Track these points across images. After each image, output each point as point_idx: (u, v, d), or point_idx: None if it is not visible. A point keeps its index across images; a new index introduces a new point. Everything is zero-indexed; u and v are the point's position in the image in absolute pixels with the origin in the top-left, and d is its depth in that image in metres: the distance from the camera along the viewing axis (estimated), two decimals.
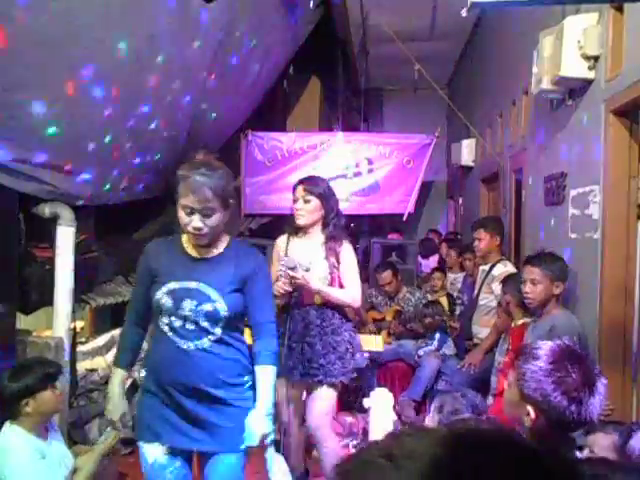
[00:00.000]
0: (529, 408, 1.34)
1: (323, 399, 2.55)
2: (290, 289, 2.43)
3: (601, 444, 1.73)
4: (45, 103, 2.32)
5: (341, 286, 2.57)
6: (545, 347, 1.38)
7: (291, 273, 2.39)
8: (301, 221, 2.55)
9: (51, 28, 2.10)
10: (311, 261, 2.50)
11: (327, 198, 2.56)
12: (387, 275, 4.53)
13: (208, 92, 3.65)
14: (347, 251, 2.57)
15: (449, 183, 8.02)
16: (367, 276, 6.66)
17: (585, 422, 1.33)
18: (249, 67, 4.10)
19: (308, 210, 2.53)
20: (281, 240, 2.67)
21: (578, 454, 1.46)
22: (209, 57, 3.36)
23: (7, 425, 2.06)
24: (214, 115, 4.02)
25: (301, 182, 2.59)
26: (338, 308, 2.59)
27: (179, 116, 3.52)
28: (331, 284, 2.55)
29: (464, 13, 1.38)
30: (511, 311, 2.96)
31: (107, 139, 2.90)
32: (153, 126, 3.27)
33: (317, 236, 2.59)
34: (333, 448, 2.60)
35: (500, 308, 3.22)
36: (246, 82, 4.24)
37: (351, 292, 2.56)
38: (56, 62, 2.25)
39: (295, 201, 2.57)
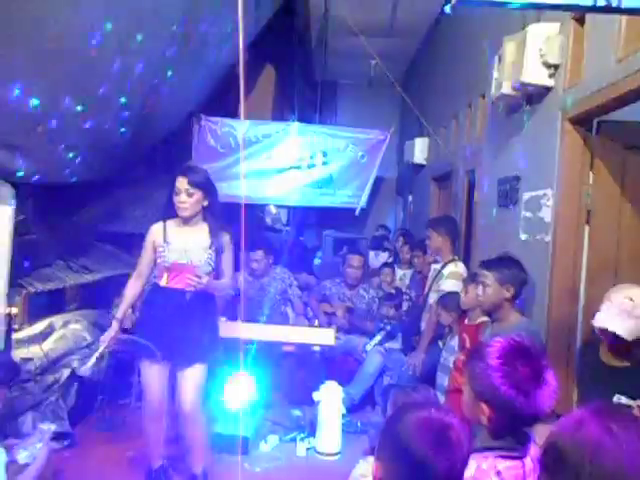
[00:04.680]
0: (483, 406, 1.36)
1: (200, 377, 2.67)
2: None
3: (541, 434, 1.80)
4: None
5: (218, 272, 2.68)
6: (495, 345, 1.41)
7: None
8: (185, 213, 2.59)
9: None
10: (190, 249, 2.58)
11: (209, 189, 2.62)
12: (359, 259, 4.57)
13: (166, 60, 3.46)
14: (229, 241, 2.68)
15: (399, 180, 8.14)
16: (310, 268, 6.67)
17: (537, 414, 1.37)
18: (207, 48, 3.95)
19: (192, 203, 2.57)
20: (157, 227, 2.67)
21: (534, 447, 1.50)
22: (168, 36, 3.20)
23: None
24: (167, 91, 3.83)
25: (183, 174, 2.57)
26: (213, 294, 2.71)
27: (129, 88, 3.33)
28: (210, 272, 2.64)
29: (448, 10, 1.36)
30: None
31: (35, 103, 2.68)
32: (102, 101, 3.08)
33: (199, 225, 2.65)
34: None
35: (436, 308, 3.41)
36: (202, 65, 4.09)
37: (231, 281, 2.78)
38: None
39: (177, 193, 2.56)
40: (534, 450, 1.44)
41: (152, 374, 2.65)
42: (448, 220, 3.89)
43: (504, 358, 1.35)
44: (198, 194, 2.56)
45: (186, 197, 2.55)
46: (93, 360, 2.54)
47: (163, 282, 2.62)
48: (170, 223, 2.66)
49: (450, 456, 1.13)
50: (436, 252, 3.75)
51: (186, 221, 2.62)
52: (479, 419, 1.37)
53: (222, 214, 2.71)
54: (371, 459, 2.00)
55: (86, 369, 2.38)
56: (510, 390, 1.31)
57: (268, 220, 9.09)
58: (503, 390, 1.31)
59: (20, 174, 2.79)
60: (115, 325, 2.61)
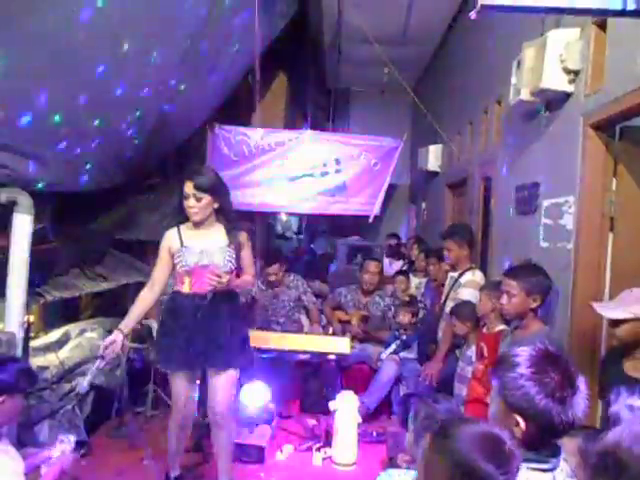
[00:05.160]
0: (517, 418, 1.33)
1: (232, 382, 2.63)
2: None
3: (567, 448, 1.76)
4: None
5: (239, 271, 2.64)
6: (523, 353, 1.38)
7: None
8: (196, 218, 2.54)
9: None
10: (209, 250, 2.53)
11: (218, 190, 2.55)
12: (376, 265, 4.56)
13: (177, 82, 3.50)
14: (246, 238, 2.64)
15: (412, 187, 8.11)
16: (324, 276, 6.65)
17: (573, 422, 1.33)
18: (219, 58, 3.97)
19: (201, 207, 2.52)
20: (171, 233, 2.61)
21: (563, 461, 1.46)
22: (182, 50, 3.21)
23: None
24: (181, 106, 3.86)
25: (190, 179, 2.50)
26: (236, 292, 2.67)
27: (145, 106, 3.36)
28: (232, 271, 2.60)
29: (473, 15, 1.34)
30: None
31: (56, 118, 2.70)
32: (121, 114, 3.10)
33: (213, 226, 2.60)
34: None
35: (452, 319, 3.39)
36: (215, 74, 4.11)
37: (253, 278, 2.75)
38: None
39: (186, 198, 2.51)
40: (563, 464, 1.41)
41: (181, 383, 2.60)
42: (465, 229, 3.85)
43: (535, 366, 1.32)
44: (207, 198, 2.50)
45: (195, 202, 2.49)
46: (90, 377, 2.42)
47: (186, 288, 2.55)
48: (184, 227, 2.60)
49: (508, 469, 1.12)
50: (456, 262, 3.70)
51: (199, 224, 2.57)
52: (512, 431, 1.34)
53: (235, 213, 2.67)
54: (393, 472, 1.97)
55: (83, 385, 2.30)
56: (546, 399, 1.28)
57: (279, 228, 9.11)
58: (539, 399, 1.28)
59: (39, 185, 2.80)
60: (116, 336, 2.44)
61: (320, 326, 4.47)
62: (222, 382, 2.58)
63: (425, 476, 1.15)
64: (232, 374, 2.60)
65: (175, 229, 2.60)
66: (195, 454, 3.21)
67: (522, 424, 1.32)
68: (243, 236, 2.62)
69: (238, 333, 2.60)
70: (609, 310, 1.99)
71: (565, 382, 1.30)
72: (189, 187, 2.49)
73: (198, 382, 2.89)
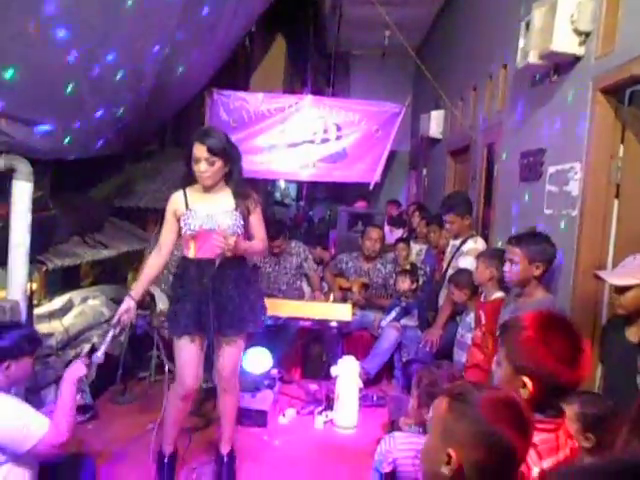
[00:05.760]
0: (525, 379, 1.34)
1: (239, 348, 2.60)
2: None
3: (566, 414, 1.79)
4: (3, 44, 2.08)
5: (249, 236, 2.55)
6: (528, 317, 1.41)
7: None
8: (208, 182, 2.42)
9: None
10: (215, 213, 2.44)
11: (230, 154, 2.43)
12: (378, 231, 4.54)
13: (176, 44, 3.41)
14: (255, 203, 2.53)
15: (412, 153, 8.03)
16: (325, 242, 6.65)
17: (578, 383, 1.37)
18: (219, 20, 3.86)
19: (214, 171, 2.39)
20: (177, 196, 2.51)
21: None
22: (180, 5, 3.12)
23: None
24: (181, 70, 3.78)
25: (201, 141, 2.35)
26: (244, 258, 2.58)
27: (145, 69, 3.28)
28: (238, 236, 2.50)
29: None
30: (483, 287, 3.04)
31: (69, 89, 2.66)
32: (118, 77, 3.03)
33: (222, 190, 2.49)
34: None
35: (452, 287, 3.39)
36: (215, 36, 4.00)
37: (263, 243, 2.58)
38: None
39: (196, 161, 2.38)
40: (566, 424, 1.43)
41: (189, 351, 2.50)
42: (464, 199, 3.79)
43: (542, 329, 1.35)
44: (219, 162, 2.38)
45: (207, 166, 2.36)
46: (104, 347, 2.36)
47: (191, 254, 2.48)
48: (190, 190, 2.49)
49: (529, 436, 1.14)
50: (458, 233, 3.68)
51: (209, 188, 2.45)
52: (519, 393, 1.35)
53: (245, 179, 2.55)
54: (398, 434, 2.01)
55: (98, 356, 2.27)
56: (556, 362, 1.30)
57: (277, 195, 9.05)
58: (548, 362, 1.30)
59: (38, 152, 2.75)
60: (128, 304, 2.41)
61: (322, 293, 4.48)
62: (231, 348, 2.56)
63: (443, 441, 1.14)
64: (240, 340, 2.58)
65: (181, 192, 2.50)
66: (196, 418, 3.25)
67: (529, 385, 1.34)
68: (251, 201, 2.51)
69: (247, 299, 2.54)
70: (614, 277, 1.99)
71: (571, 343, 1.33)
72: (201, 150, 2.35)
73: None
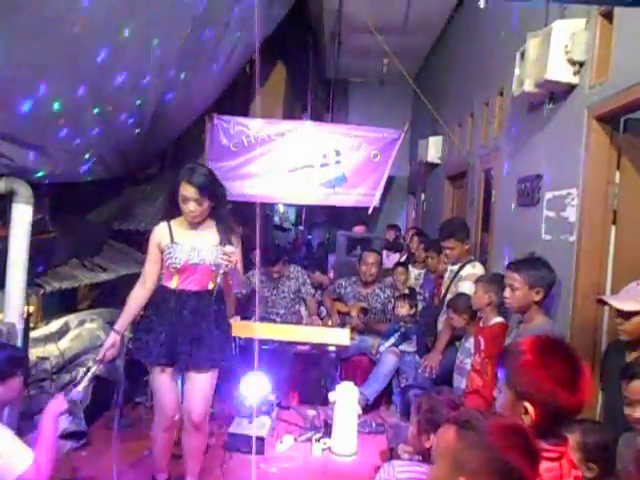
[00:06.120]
0: (527, 405, 1.33)
1: (211, 385, 2.57)
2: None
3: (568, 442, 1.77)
4: None
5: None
6: (526, 342, 1.40)
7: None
8: (196, 221, 2.47)
9: None
10: (200, 248, 2.46)
11: (215, 192, 2.47)
12: (375, 256, 4.54)
13: (178, 70, 3.47)
14: (238, 238, 2.58)
15: (411, 179, 8.09)
16: (324, 266, 6.64)
17: (580, 409, 1.35)
18: (221, 47, 3.93)
19: (202, 211, 2.45)
20: (161, 228, 2.52)
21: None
22: (182, 39, 3.18)
23: None
24: (181, 95, 3.83)
25: (190, 182, 2.38)
26: (222, 293, 2.59)
27: (147, 95, 3.33)
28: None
29: (482, 4, 1.32)
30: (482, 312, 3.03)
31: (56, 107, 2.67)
32: (119, 99, 3.07)
33: (206, 224, 2.53)
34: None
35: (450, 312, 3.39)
36: (216, 63, 4.07)
37: (243, 277, 2.68)
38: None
39: (185, 201, 2.41)
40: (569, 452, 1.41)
41: (164, 382, 2.51)
42: (461, 225, 3.80)
43: (542, 353, 1.34)
44: (207, 202, 2.44)
45: (196, 206, 2.41)
46: (86, 382, 2.31)
47: (173, 285, 2.48)
48: (175, 223, 2.52)
49: (536, 460, 1.13)
50: (458, 259, 3.69)
51: (195, 223, 2.51)
52: (521, 420, 1.34)
53: (229, 213, 2.61)
54: (397, 462, 1.97)
55: (78, 392, 2.24)
56: (555, 385, 1.29)
57: (276, 219, 9.08)
58: (548, 386, 1.29)
59: (40, 174, 2.77)
60: (114, 338, 2.44)
61: (319, 318, 4.46)
62: (202, 383, 2.52)
63: (454, 471, 1.12)
64: (210, 375, 2.54)
65: (165, 224, 2.51)
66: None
67: (531, 410, 1.32)
68: (235, 236, 2.55)
69: (224, 333, 2.55)
70: (620, 301, 1.99)
71: (570, 366, 1.32)
72: (190, 191, 2.39)
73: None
